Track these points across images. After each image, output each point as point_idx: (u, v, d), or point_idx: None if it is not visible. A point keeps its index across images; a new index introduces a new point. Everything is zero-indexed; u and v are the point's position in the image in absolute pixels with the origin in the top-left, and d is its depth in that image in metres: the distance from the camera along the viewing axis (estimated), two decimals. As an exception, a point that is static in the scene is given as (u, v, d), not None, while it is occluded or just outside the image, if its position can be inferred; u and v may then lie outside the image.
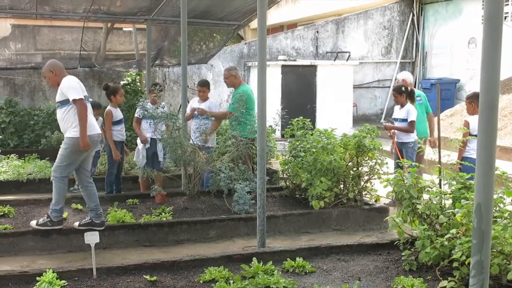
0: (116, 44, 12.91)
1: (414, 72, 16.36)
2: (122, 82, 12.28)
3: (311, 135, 7.55)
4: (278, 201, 7.46)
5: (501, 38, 3.28)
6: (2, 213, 6.69)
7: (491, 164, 3.35)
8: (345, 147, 7.32)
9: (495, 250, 4.28)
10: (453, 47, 15.34)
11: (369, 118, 15.89)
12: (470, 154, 6.52)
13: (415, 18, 16.33)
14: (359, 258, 5.36)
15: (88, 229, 5.73)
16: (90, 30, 11.77)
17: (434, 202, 5.16)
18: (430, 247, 4.76)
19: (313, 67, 14.18)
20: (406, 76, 8.59)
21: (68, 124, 5.83)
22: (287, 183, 7.80)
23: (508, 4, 13.70)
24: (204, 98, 8.08)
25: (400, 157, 7.42)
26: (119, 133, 7.85)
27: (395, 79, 9.09)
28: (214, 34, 12.97)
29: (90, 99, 7.87)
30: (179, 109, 9.28)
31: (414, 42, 16.43)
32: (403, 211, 5.29)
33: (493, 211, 4.29)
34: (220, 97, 14.27)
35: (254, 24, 15.81)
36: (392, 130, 7.83)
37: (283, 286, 4.51)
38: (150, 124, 7.67)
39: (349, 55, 15.50)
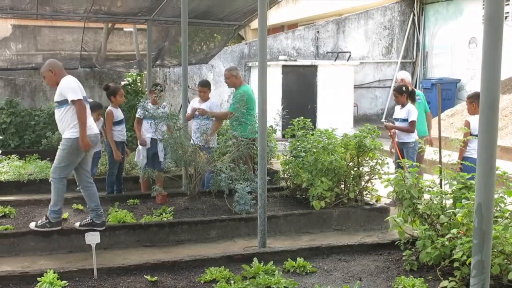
0: (117, 45, 12.92)
1: (414, 72, 16.36)
2: (122, 83, 12.28)
3: (312, 135, 7.55)
4: (279, 201, 7.46)
5: (502, 38, 3.28)
6: (3, 214, 6.69)
7: (491, 164, 3.35)
8: (345, 147, 7.32)
9: (496, 250, 4.28)
10: (454, 47, 15.33)
11: (369, 118, 15.88)
12: (471, 154, 6.52)
13: (415, 18, 16.32)
14: (360, 258, 5.36)
15: (89, 229, 5.74)
16: (91, 31, 11.78)
17: (435, 202, 5.16)
18: (431, 247, 4.76)
19: (314, 67, 14.18)
20: (405, 75, 8.63)
21: (65, 125, 5.83)
22: (288, 183, 7.80)
23: (508, 4, 13.70)
24: (205, 99, 8.08)
25: (401, 157, 7.42)
26: (120, 133, 7.85)
27: (395, 79, 9.11)
28: (215, 34, 12.97)
29: (90, 100, 7.90)
30: (180, 109, 9.29)
31: (415, 42, 16.42)
32: (404, 211, 5.29)
33: (494, 211, 4.29)
34: (220, 97, 14.28)
35: (254, 24, 15.82)
36: (393, 130, 7.83)
37: (284, 286, 4.51)
38: (151, 125, 7.67)
39: (350, 55, 15.49)
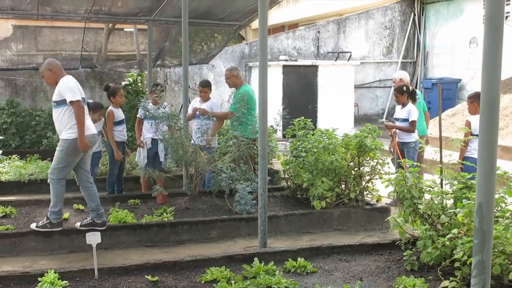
0: (117, 45, 12.92)
1: (415, 72, 16.36)
2: (123, 83, 12.29)
3: (313, 135, 7.55)
4: (280, 201, 7.46)
5: (502, 38, 3.28)
6: (3, 214, 6.70)
7: (492, 164, 3.35)
8: (346, 147, 7.32)
9: (496, 250, 4.28)
10: (455, 47, 15.33)
11: (370, 118, 15.88)
12: (472, 154, 6.52)
13: (416, 18, 16.32)
14: (360, 258, 5.36)
15: (89, 229, 5.75)
16: (92, 31, 11.78)
17: (436, 202, 5.16)
18: (431, 247, 4.76)
19: (314, 67, 14.18)
20: (403, 75, 8.66)
21: (63, 125, 5.83)
22: (289, 183, 7.80)
23: (509, 4, 13.69)
24: (205, 99, 8.09)
25: (401, 157, 7.41)
26: (121, 133, 7.85)
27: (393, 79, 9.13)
28: (215, 35, 12.97)
29: (90, 100, 7.91)
30: (181, 109, 9.29)
31: (415, 42, 16.42)
32: (404, 211, 5.29)
33: (495, 211, 4.29)
34: (221, 97, 14.28)
35: (255, 24, 15.81)
36: (393, 130, 7.83)
37: (285, 286, 4.51)
38: (151, 125, 7.68)
39: (350, 55, 15.49)
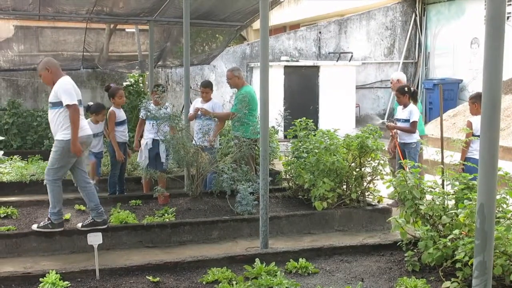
0: (119, 45, 12.93)
1: (416, 72, 16.35)
2: (124, 83, 12.30)
3: (314, 135, 7.55)
4: (281, 202, 7.47)
5: (503, 38, 3.28)
6: (5, 214, 6.70)
7: (493, 165, 3.35)
8: (348, 148, 7.32)
9: (498, 251, 4.27)
10: (456, 47, 15.31)
11: (372, 118, 15.86)
12: (473, 155, 6.51)
13: (417, 18, 16.30)
14: (362, 259, 5.36)
15: (91, 229, 5.76)
16: (93, 31, 11.79)
17: (437, 202, 5.16)
18: (433, 247, 4.76)
19: (316, 68, 14.17)
20: (401, 76, 8.72)
21: (58, 126, 5.83)
22: (290, 184, 7.80)
23: (510, 5, 13.67)
24: (207, 99, 8.09)
25: (402, 158, 7.41)
26: (122, 134, 7.86)
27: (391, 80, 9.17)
28: (217, 35, 12.98)
29: (91, 103, 7.92)
30: (182, 110, 9.29)
31: (417, 42, 16.40)
32: (406, 211, 5.28)
33: (496, 211, 4.29)
34: (222, 98, 14.27)
35: (256, 25, 15.80)
36: (394, 131, 7.83)
37: (286, 287, 4.51)
38: (153, 125, 7.68)
39: (352, 56, 15.49)
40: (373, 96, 16.35)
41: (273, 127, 8.75)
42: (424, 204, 5.17)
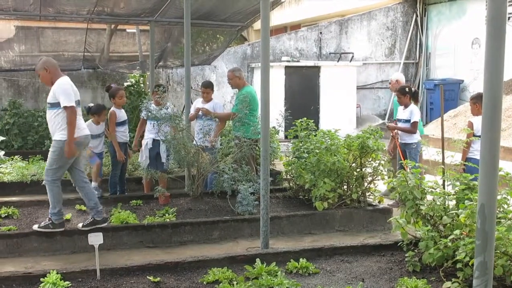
0: (120, 46, 12.94)
1: (417, 73, 16.34)
2: (125, 84, 12.30)
3: (315, 136, 7.55)
4: (282, 202, 7.46)
5: (505, 39, 3.28)
6: (6, 214, 6.71)
7: (494, 165, 3.35)
8: (348, 148, 7.32)
9: (499, 251, 4.27)
10: (457, 48, 15.30)
11: (372, 119, 15.85)
12: (474, 155, 6.51)
13: (418, 18, 16.30)
14: (362, 259, 5.36)
15: (92, 229, 5.78)
16: (94, 32, 11.79)
17: (438, 203, 5.16)
18: (433, 248, 4.75)
19: (317, 68, 14.17)
20: (400, 76, 8.75)
21: (56, 127, 5.84)
22: (291, 184, 7.80)
23: (511, 5, 13.67)
24: (208, 99, 8.09)
25: (403, 158, 7.41)
26: (123, 134, 7.86)
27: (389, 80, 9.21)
28: (218, 35, 12.98)
29: (91, 104, 7.92)
30: (183, 110, 9.28)
31: (418, 42, 16.39)
32: (406, 212, 5.28)
33: (497, 212, 4.29)
34: (223, 98, 14.27)
35: (257, 25, 15.81)
36: (395, 131, 7.83)
37: (287, 287, 4.51)
38: (153, 126, 7.68)
39: (353, 56, 15.49)
40: (374, 96, 16.34)
41: (274, 127, 8.75)
42: (425, 205, 5.17)
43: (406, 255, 5.10)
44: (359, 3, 17.27)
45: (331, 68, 14.31)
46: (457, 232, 4.62)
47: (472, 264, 3.80)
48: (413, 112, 7.67)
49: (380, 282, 4.76)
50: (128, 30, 12.94)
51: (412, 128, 7.64)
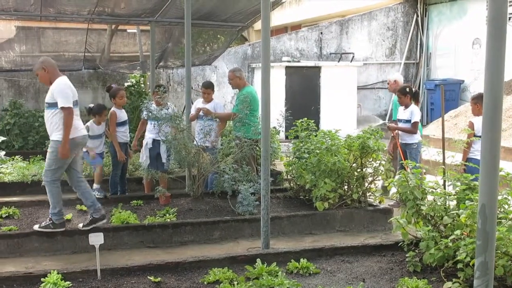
0: (120, 46, 12.94)
1: (418, 73, 16.34)
2: (126, 84, 12.31)
3: (315, 136, 7.55)
4: (282, 202, 7.46)
5: (505, 39, 3.28)
6: (7, 215, 6.71)
7: (495, 165, 3.35)
8: (349, 148, 7.32)
9: (499, 252, 4.27)
10: (458, 48, 15.30)
11: (373, 119, 15.84)
12: (475, 155, 6.51)
13: (419, 19, 16.29)
14: (363, 259, 5.36)
15: (92, 227, 5.84)
16: (95, 32, 11.80)
17: (439, 203, 5.16)
18: (434, 248, 4.75)
19: (317, 68, 14.17)
20: (398, 77, 8.75)
21: (54, 127, 5.85)
22: (291, 184, 7.80)
23: (512, 5, 13.67)
24: (208, 100, 8.09)
25: (404, 159, 7.41)
26: (123, 134, 7.86)
27: (388, 81, 9.23)
28: (218, 36, 12.98)
29: (92, 105, 7.93)
30: (183, 110, 9.28)
31: (418, 43, 16.39)
32: (407, 212, 5.28)
33: (498, 212, 4.29)
34: (224, 98, 14.28)
35: (258, 25, 15.81)
36: (396, 131, 7.83)
37: (287, 287, 4.51)
38: (154, 126, 7.69)
39: (353, 56, 15.48)
40: (375, 96, 16.34)
41: (274, 127, 8.75)
42: (426, 205, 5.17)
43: (407, 255, 5.10)
44: (359, 3, 17.27)
45: (332, 68, 14.30)
46: (457, 232, 4.62)
47: (473, 265, 3.80)
48: (414, 112, 7.67)
49: (381, 282, 4.76)
50: (128, 31, 12.95)
51: (413, 128, 7.64)
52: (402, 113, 7.86)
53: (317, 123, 13.09)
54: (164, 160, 7.91)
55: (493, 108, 3.30)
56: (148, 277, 4.80)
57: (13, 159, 9.52)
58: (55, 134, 5.84)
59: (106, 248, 5.79)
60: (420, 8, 16.27)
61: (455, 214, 4.85)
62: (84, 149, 7.50)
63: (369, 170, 7.29)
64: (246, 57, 15.10)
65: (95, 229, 5.77)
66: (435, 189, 5.39)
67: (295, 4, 19.97)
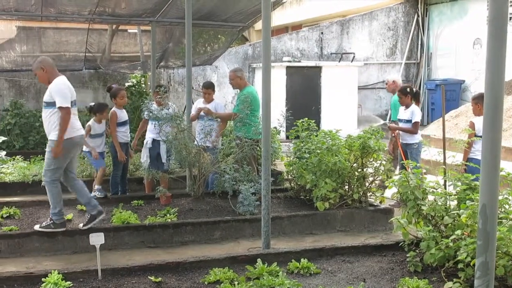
0: (121, 46, 12.95)
1: (418, 73, 16.34)
2: (127, 84, 12.31)
3: (316, 136, 7.55)
4: (283, 202, 7.46)
5: (506, 39, 3.28)
6: (7, 215, 6.72)
7: (496, 165, 3.35)
8: (350, 148, 7.32)
9: (500, 252, 4.27)
10: (458, 48, 15.29)
11: (373, 119, 15.84)
12: (476, 155, 6.51)
13: (420, 19, 16.29)
14: (364, 259, 5.36)
15: (92, 225, 5.89)
16: (95, 32, 11.81)
17: (439, 203, 5.16)
18: (435, 248, 4.75)
19: (318, 68, 14.16)
20: (396, 77, 8.74)
21: (52, 126, 5.86)
22: (292, 184, 7.79)
23: (513, 5, 13.65)
24: (209, 100, 8.10)
25: (404, 159, 7.41)
26: (124, 134, 7.86)
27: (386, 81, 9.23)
28: (219, 36, 12.99)
29: (92, 103, 7.93)
30: (184, 110, 9.28)
31: (419, 43, 16.39)
32: (408, 212, 5.28)
33: (498, 212, 4.28)
34: (224, 98, 14.28)
35: (258, 25, 15.81)
36: (396, 131, 7.82)
37: (288, 287, 4.51)
38: (155, 126, 7.69)
39: (354, 56, 15.48)
40: (375, 96, 16.34)
41: (275, 127, 8.76)
42: (426, 205, 5.17)
43: (408, 255, 5.10)
44: (360, 3, 17.27)
45: (333, 68, 14.30)
46: (458, 232, 4.62)
47: (474, 264, 3.80)
48: (414, 112, 7.67)
49: (382, 282, 4.76)
50: (129, 31, 12.96)
51: (414, 128, 7.64)
52: (403, 113, 7.86)
53: (318, 123, 13.09)
54: (164, 160, 7.91)
55: (493, 108, 3.30)
56: (149, 277, 4.81)
57: (14, 159, 9.53)
58: (53, 133, 5.85)
59: (106, 248, 5.79)
60: (420, 8, 16.27)
61: (455, 214, 4.85)
62: (87, 149, 7.52)
63: (370, 170, 7.28)
64: (246, 57, 15.10)
65: (96, 229, 5.77)
66: (436, 189, 5.38)
67: (296, 4, 19.97)
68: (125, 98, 8.04)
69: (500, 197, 4.67)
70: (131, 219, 6.45)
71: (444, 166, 5.87)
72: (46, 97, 5.92)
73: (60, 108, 5.76)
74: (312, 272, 4.98)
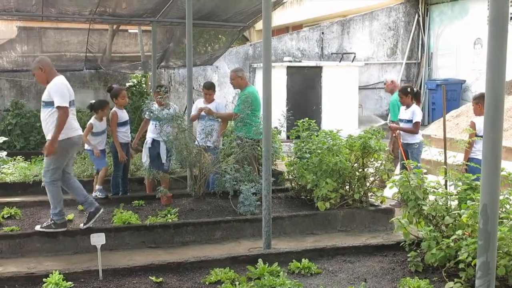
0: (122, 46, 12.95)
1: (419, 73, 16.34)
2: (127, 84, 12.31)
3: (317, 136, 7.55)
4: (284, 203, 7.46)
5: (506, 39, 3.28)
6: (8, 215, 6.72)
7: (497, 165, 3.35)
8: (350, 148, 7.32)
9: (501, 251, 4.27)
10: (459, 48, 15.29)
11: (374, 119, 15.83)
12: (476, 155, 6.50)
13: (420, 19, 16.29)
14: (365, 259, 5.36)
15: (92, 224, 5.91)
16: (96, 32, 11.81)
17: (440, 203, 5.15)
18: (436, 248, 4.75)
19: (319, 68, 14.17)
20: (395, 78, 8.73)
21: (50, 126, 5.87)
22: (293, 184, 7.80)
23: (514, 5, 13.63)
24: (209, 101, 8.10)
25: (405, 158, 7.40)
26: (124, 134, 7.86)
27: (384, 81, 9.23)
28: (219, 36, 12.99)
29: (93, 101, 7.94)
30: (185, 110, 9.28)
31: (420, 43, 16.39)
32: (408, 212, 5.28)
33: (499, 212, 4.28)
34: (225, 98, 14.29)
35: (259, 25, 15.82)
36: (397, 131, 7.82)
37: (289, 287, 4.51)
38: (155, 126, 7.69)
39: (355, 56, 15.48)
40: (376, 96, 16.34)
41: (275, 127, 8.77)
42: (427, 205, 5.17)
43: (409, 255, 5.10)
44: (361, 3, 17.27)
45: (333, 68, 14.30)
46: (459, 232, 4.62)
47: (475, 264, 3.80)
48: (415, 112, 7.67)
49: (383, 282, 4.76)
50: (130, 31, 12.96)
51: (414, 128, 7.64)
52: (404, 113, 7.86)
53: (319, 123, 13.08)
54: (164, 161, 7.91)
55: (494, 108, 3.30)
56: (150, 277, 4.81)
57: (14, 159, 9.53)
58: (51, 133, 5.84)
59: (107, 249, 5.79)
60: (421, 8, 16.26)
61: (456, 214, 4.85)
62: (89, 147, 7.53)
63: (371, 170, 7.28)
64: (247, 57, 15.10)
65: (97, 229, 5.77)
66: (437, 189, 5.38)
67: (296, 4, 19.97)
68: (126, 98, 8.05)
69: (501, 197, 4.67)
70: (132, 219, 6.46)
71: (445, 166, 5.87)
72: (44, 97, 5.93)
73: (58, 107, 5.76)
74: (313, 272, 4.98)
